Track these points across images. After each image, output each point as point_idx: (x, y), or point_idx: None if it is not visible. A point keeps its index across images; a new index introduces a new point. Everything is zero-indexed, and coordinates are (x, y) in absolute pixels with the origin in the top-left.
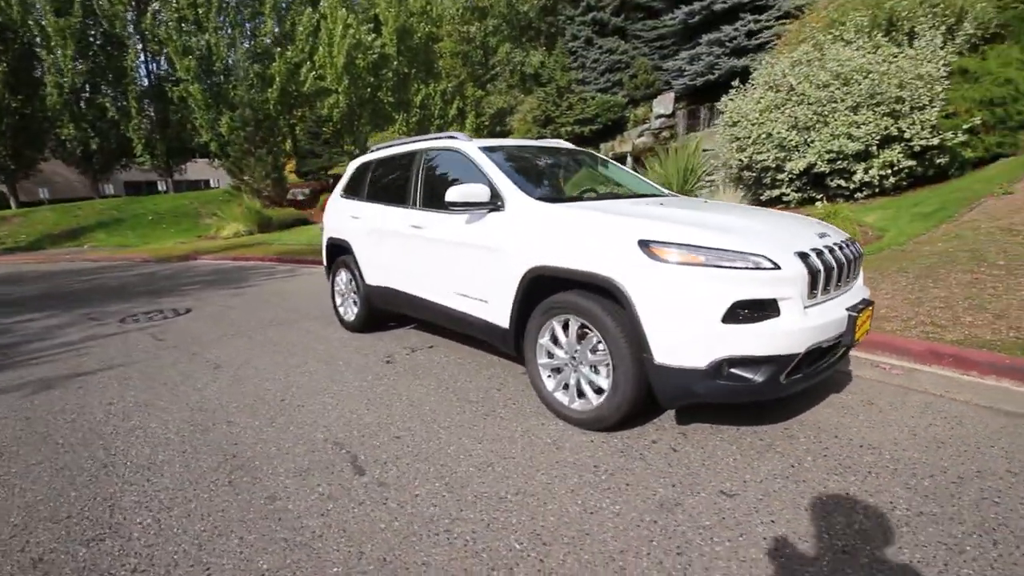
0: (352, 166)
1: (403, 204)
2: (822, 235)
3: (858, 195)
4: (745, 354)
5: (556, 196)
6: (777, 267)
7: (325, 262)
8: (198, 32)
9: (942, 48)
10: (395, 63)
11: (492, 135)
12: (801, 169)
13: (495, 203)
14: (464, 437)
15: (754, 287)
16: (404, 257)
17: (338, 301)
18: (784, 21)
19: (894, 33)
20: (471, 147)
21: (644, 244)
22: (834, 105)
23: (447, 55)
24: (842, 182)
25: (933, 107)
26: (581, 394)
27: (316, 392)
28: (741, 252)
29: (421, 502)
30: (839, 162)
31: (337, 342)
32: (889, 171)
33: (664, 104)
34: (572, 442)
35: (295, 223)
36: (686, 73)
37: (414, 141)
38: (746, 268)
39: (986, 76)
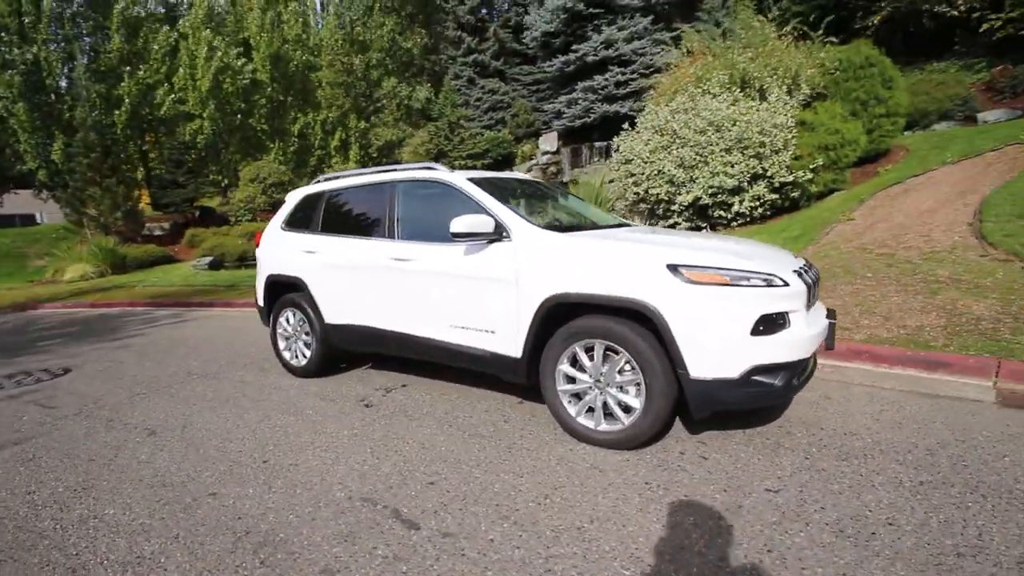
0: (295, 197)
1: (376, 236)
2: (796, 257)
3: (734, 223)
4: (769, 362)
5: (559, 226)
6: (787, 284)
7: (262, 302)
8: (23, 44)
9: (786, 104)
10: (269, 89)
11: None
12: (689, 202)
13: (499, 234)
14: (502, 473)
15: (773, 302)
16: (381, 292)
17: (282, 345)
18: (647, 75)
19: (748, 89)
20: (458, 178)
21: (673, 268)
22: (711, 148)
23: (326, 85)
24: (722, 212)
25: (787, 151)
26: (608, 416)
27: (301, 447)
28: (758, 272)
29: (501, 546)
30: (719, 196)
31: (293, 390)
32: (757, 203)
33: (549, 142)
34: (610, 464)
35: (157, 261)
36: (564, 115)
37: (376, 172)
38: (765, 286)
39: (820, 126)
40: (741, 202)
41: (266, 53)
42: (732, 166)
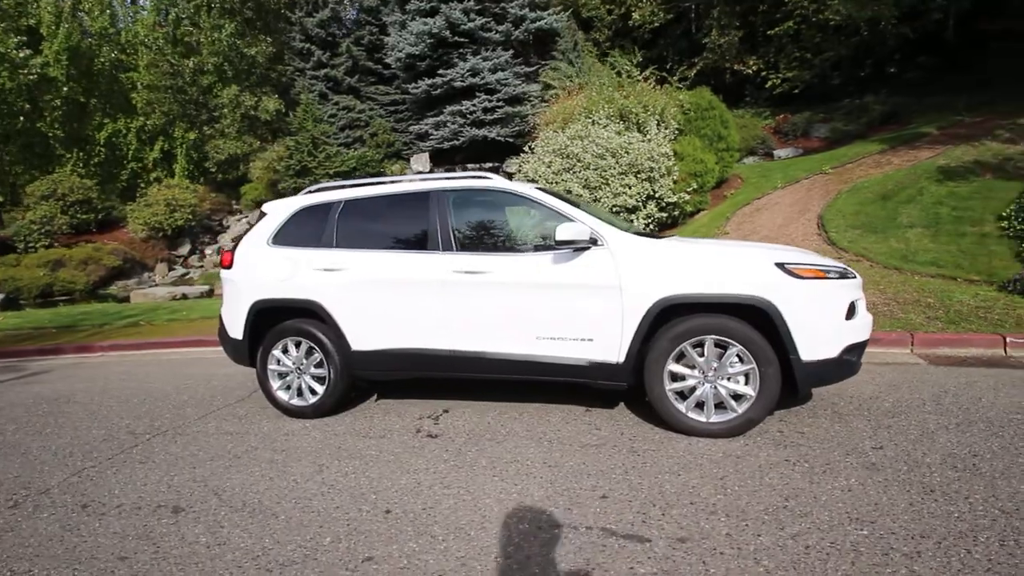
0: (283, 209)
1: (425, 249)
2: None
3: None
4: (854, 342)
5: (641, 233)
6: (856, 276)
7: (238, 334)
8: None
9: (665, 136)
10: (65, 89)
11: (229, 183)
12: None
13: (593, 241)
14: (657, 475)
15: (854, 292)
16: (439, 309)
17: (275, 384)
18: (512, 105)
19: (627, 122)
20: (528, 188)
21: (781, 266)
22: (611, 171)
23: (143, 88)
24: None
25: (670, 176)
26: (718, 407)
27: (409, 490)
28: (837, 267)
29: (742, 538)
30: (622, 214)
31: (318, 433)
32: (650, 220)
33: (421, 162)
34: (736, 450)
35: None
36: (432, 137)
37: (399, 181)
38: (848, 278)
39: (688, 156)
40: (638, 219)
41: (62, 46)
42: (629, 187)
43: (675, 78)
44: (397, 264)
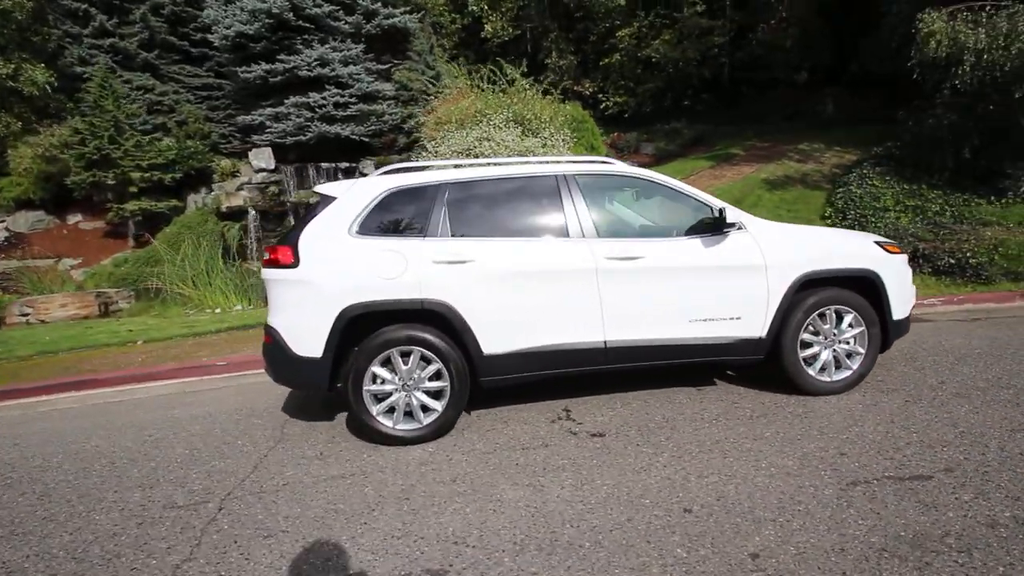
0: (373, 190)
1: (561, 236)
2: None
3: None
4: (912, 305)
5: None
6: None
7: (321, 351)
8: None
9: (564, 143)
10: None
11: None
12: None
13: (738, 225)
14: (889, 426)
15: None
16: (588, 299)
17: (376, 408)
18: (367, 102)
19: (524, 128)
20: (657, 175)
21: (879, 244)
22: None
23: None
24: None
25: None
26: (838, 367)
27: (677, 487)
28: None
29: None
30: None
31: (464, 454)
32: None
33: (263, 158)
34: (851, 402)
35: None
36: (271, 130)
37: (498, 164)
38: (906, 255)
39: None
40: None
41: None
42: None
43: (558, 91)
44: (537, 253)
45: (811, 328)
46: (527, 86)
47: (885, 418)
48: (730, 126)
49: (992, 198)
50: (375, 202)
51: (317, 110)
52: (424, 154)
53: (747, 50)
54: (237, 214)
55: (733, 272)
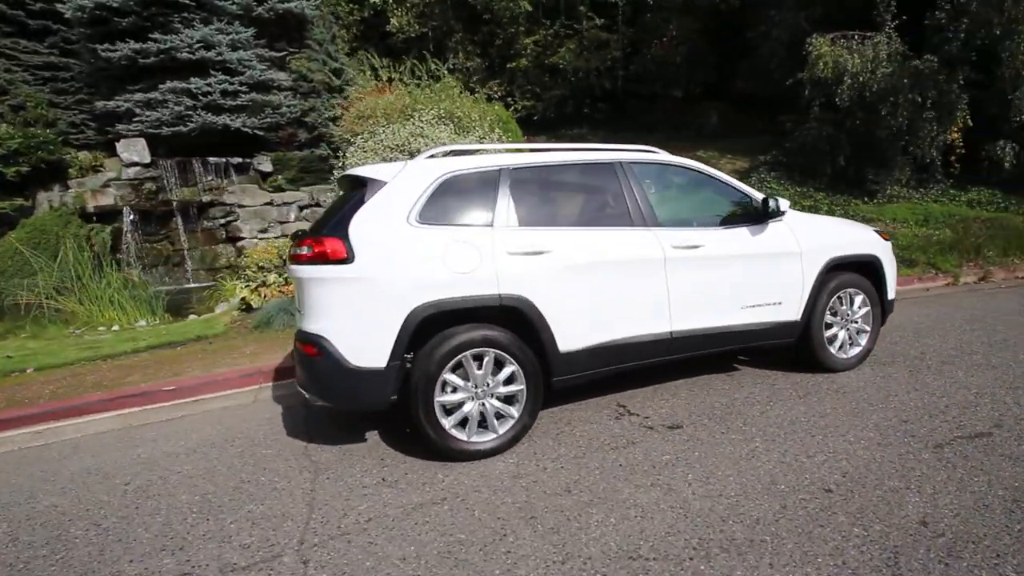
0: (429, 174)
1: (625, 225)
2: None
3: None
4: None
5: None
6: None
7: (386, 361)
8: None
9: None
10: None
11: None
12: None
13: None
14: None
15: None
16: (660, 288)
17: (448, 422)
18: (261, 92)
19: (455, 126)
20: (701, 165)
21: (878, 232)
22: None
23: None
24: None
25: None
26: (851, 344)
27: (807, 472)
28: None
29: None
30: None
31: (556, 462)
32: None
33: (136, 151)
34: (863, 374)
35: None
36: (142, 118)
37: (568, 150)
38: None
39: None
40: None
41: None
42: None
43: (497, 88)
44: (611, 242)
45: (831, 309)
46: (453, 83)
47: (908, 387)
48: (628, 133)
49: (866, 199)
50: (432, 188)
51: (201, 98)
52: (352, 149)
53: (641, 64)
54: (107, 215)
55: (775, 259)
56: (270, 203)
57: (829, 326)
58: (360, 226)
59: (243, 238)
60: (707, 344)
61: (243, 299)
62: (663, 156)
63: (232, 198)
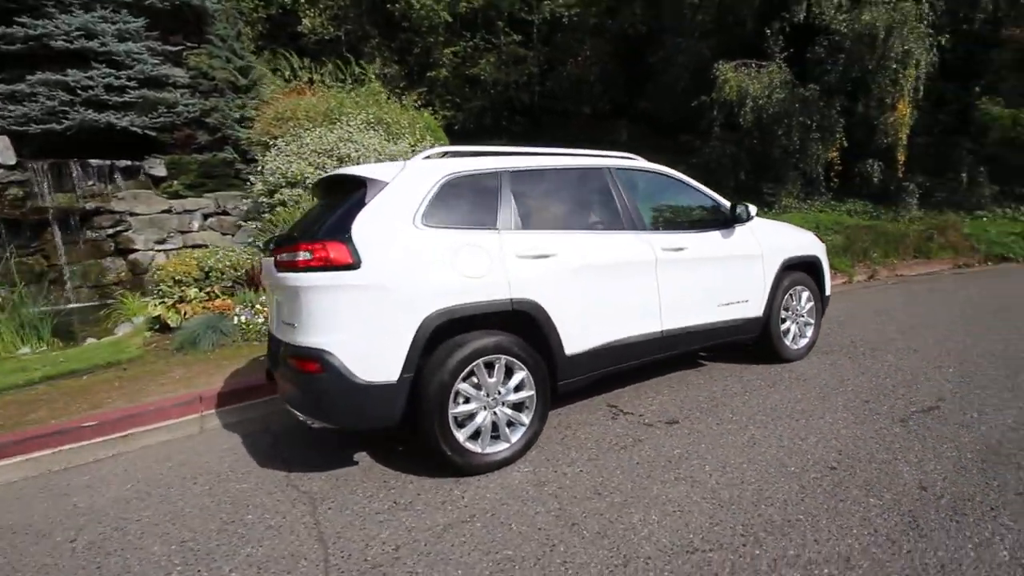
0: (431, 175)
1: (617, 229)
2: None
3: None
4: None
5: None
6: None
7: (398, 373)
8: None
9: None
10: None
11: None
12: None
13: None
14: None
15: None
16: (648, 291)
17: (462, 435)
18: (157, 90)
19: (385, 132)
20: (674, 172)
21: (817, 236)
22: None
23: None
24: None
25: None
26: (800, 336)
27: (808, 453)
28: None
29: None
30: None
31: (582, 466)
32: None
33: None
34: (809, 365)
35: None
36: (4, 114)
37: (561, 154)
38: None
39: None
40: None
41: None
42: None
43: (419, 96)
44: (607, 245)
45: (784, 306)
46: (380, 88)
47: (855, 372)
48: (546, 146)
49: (765, 209)
50: (436, 189)
51: (80, 92)
52: (272, 153)
53: (556, 81)
54: None
55: (744, 260)
56: (168, 211)
57: (783, 320)
58: (364, 229)
59: (136, 250)
60: (691, 341)
61: (157, 317)
62: (642, 163)
63: (122, 205)
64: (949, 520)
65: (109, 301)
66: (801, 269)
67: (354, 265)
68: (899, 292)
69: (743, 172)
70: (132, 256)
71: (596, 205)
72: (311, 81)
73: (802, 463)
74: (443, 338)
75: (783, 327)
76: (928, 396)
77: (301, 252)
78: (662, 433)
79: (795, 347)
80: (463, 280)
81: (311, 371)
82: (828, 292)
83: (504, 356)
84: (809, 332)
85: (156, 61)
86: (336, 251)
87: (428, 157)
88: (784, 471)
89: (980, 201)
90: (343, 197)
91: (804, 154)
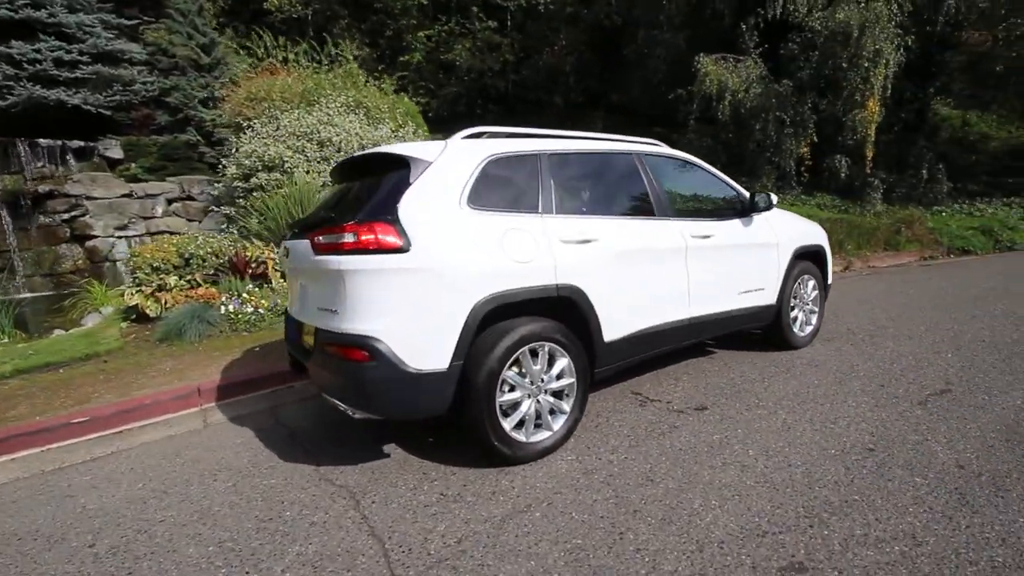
0: (473, 155)
1: (648, 215)
2: None
3: None
4: None
5: None
6: None
7: (448, 361)
8: None
9: (414, 133)
10: None
11: None
12: None
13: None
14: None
15: None
16: (679, 278)
17: (508, 423)
18: (113, 66)
19: (365, 115)
20: (697, 159)
21: (822, 228)
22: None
23: None
24: None
25: None
26: (806, 323)
27: (838, 437)
28: None
29: None
30: None
31: (631, 451)
32: None
33: None
34: (815, 350)
35: None
36: None
37: (593, 138)
38: None
39: None
40: None
41: None
42: None
43: (393, 80)
44: (643, 232)
45: (793, 294)
46: (357, 70)
47: (862, 358)
48: None
49: None
50: (479, 170)
51: (27, 66)
52: (248, 135)
53: (532, 69)
54: None
55: (761, 249)
56: (129, 195)
57: (792, 308)
58: (411, 209)
59: (95, 236)
60: (714, 328)
61: (134, 307)
62: (667, 149)
63: (78, 188)
64: (995, 496)
65: (69, 290)
66: (809, 258)
67: (404, 248)
68: (875, 282)
69: (718, 165)
70: (90, 243)
71: (628, 191)
72: (285, 60)
73: (840, 446)
74: (490, 324)
75: (792, 315)
76: (937, 380)
77: (347, 234)
78: (695, 419)
79: (801, 334)
80: (512, 264)
81: (357, 359)
82: (830, 281)
83: (548, 343)
84: (814, 319)
85: (110, 35)
86: (383, 233)
87: (467, 137)
88: (826, 453)
89: (938, 197)
90: (381, 177)
91: (778, 148)
